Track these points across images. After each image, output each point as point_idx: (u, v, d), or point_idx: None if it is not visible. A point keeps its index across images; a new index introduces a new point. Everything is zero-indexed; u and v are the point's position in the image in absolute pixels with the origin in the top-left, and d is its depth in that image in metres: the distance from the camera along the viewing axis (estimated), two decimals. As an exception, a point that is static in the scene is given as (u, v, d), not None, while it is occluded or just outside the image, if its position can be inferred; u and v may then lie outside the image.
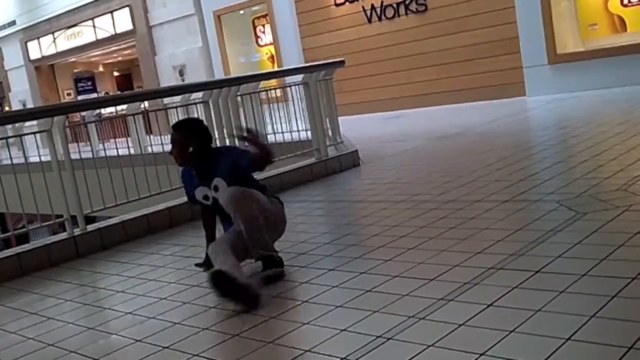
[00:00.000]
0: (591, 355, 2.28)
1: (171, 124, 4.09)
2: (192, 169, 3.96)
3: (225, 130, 6.32)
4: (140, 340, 3.17)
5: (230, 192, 3.65)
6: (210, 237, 4.00)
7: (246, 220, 3.58)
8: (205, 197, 3.92)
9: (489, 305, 2.81)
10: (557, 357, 2.28)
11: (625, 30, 10.52)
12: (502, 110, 9.73)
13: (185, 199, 4.29)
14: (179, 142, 3.87)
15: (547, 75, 10.57)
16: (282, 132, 8.24)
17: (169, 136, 3.98)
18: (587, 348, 2.32)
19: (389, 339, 2.66)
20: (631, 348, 2.25)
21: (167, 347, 2.99)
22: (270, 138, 8.62)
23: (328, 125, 7.62)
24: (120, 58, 22.99)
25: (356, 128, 9.82)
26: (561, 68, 10.45)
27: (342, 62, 7.73)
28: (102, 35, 18.92)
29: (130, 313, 3.62)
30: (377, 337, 2.68)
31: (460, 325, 2.66)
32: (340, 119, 7.91)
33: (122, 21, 17.96)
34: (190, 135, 3.87)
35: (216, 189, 3.83)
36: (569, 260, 3.23)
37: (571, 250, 3.34)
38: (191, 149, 3.83)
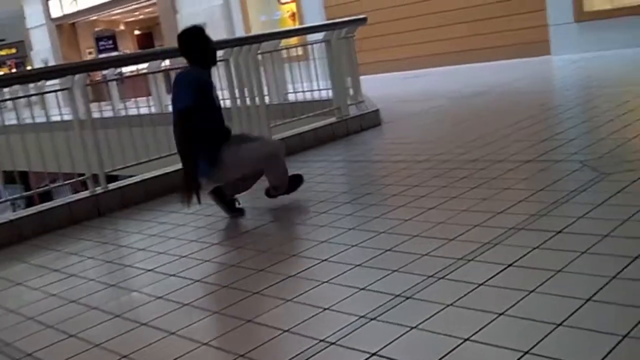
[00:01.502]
0: (612, 316, 2.26)
1: None
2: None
3: (245, 90, 6.28)
4: (161, 297, 3.21)
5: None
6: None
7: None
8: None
9: (509, 266, 2.79)
10: (577, 317, 2.26)
11: (655, -13, 10.23)
12: (526, 69, 9.57)
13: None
14: None
15: (573, 34, 10.35)
16: (303, 91, 8.18)
17: None
18: (607, 309, 2.30)
19: (407, 297, 2.65)
20: (653, 309, 2.23)
21: (187, 304, 3.01)
22: (291, 97, 8.59)
23: (349, 84, 7.55)
24: (141, 16, 22.87)
25: (377, 87, 9.71)
26: (588, 26, 10.21)
27: (364, 20, 7.62)
28: (123, -8, 18.84)
29: (151, 270, 3.65)
30: (396, 295, 2.68)
31: (480, 285, 2.65)
32: (361, 78, 7.83)
33: (143, -22, 17.87)
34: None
35: None
36: (592, 221, 3.19)
37: (594, 210, 3.31)
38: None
